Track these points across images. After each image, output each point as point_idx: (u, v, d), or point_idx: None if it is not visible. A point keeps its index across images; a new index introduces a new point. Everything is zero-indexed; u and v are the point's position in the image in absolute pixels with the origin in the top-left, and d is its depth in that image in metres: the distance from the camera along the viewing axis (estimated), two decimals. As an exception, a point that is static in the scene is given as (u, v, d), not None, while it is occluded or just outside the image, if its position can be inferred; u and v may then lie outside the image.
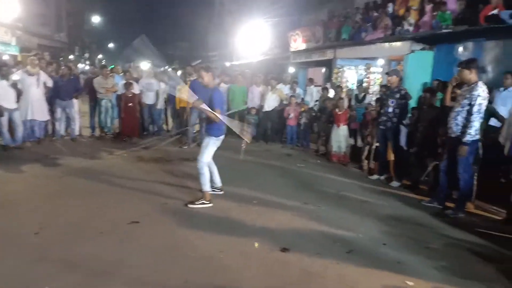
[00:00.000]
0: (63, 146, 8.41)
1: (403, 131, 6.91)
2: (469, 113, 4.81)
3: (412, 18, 10.25)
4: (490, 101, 6.30)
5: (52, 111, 8.84)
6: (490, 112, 5.52)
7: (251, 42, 20.10)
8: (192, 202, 5.02)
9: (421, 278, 3.42)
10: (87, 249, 3.67)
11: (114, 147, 8.48)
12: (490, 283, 3.41)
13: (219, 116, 4.92)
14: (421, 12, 10.27)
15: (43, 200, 4.97)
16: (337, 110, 8.23)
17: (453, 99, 5.33)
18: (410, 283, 3.31)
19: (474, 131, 4.81)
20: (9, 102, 7.46)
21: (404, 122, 6.77)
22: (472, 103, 4.78)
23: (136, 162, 7.32)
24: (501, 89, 6.57)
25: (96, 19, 35.95)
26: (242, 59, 21.85)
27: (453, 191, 5.47)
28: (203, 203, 5.01)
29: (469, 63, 4.93)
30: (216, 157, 5.32)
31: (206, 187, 5.08)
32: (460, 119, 4.94)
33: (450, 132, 5.10)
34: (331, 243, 4.08)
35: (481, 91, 4.77)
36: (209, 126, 5.17)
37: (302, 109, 9.71)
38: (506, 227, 4.70)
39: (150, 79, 10.06)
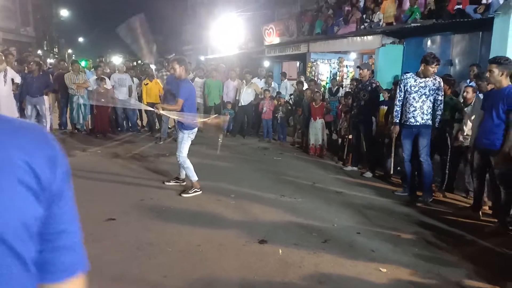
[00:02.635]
0: (34, 144, 8.18)
1: (375, 123, 7.09)
2: (436, 102, 5.27)
3: (382, 12, 10.47)
4: (458, 94, 6.58)
5: (22, 108, 8.60)
6: (454, 106, 5.80)
7: (226, 36, 20.01)
8: (185, 192, 5.24)
9: (394, 264, 3.55)
10: (63, 247, 3.61)
11: (88, 144, 8.33)
12: (456, 268, 3.58)
13: (180, 106, 5.06)
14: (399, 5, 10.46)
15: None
16: (313, 103, 8.34)
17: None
18: (384, 270, 3.44)
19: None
20: None
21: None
22: (440, 93, 5.26)
23: (111, 158, 7.22)
24: (468, 81, 6.82)
25: (64, 12, 34.86)
26: (217, 53, 21.72)
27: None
28: (196, 191, 5.24)
29: (438, 59, 5.27)
30: (193, 152, 5.35)
31: (194, 177, 5.30)
32: (426, 108, 5.27)
33: (415, 121, 5.32)
34: (307, 234, 4.17)
35: (442, 83, 5.35)
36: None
37: (278, 102, 9.78)
38: (473, 214, 4.92)
39: (122, 74, 9.91)
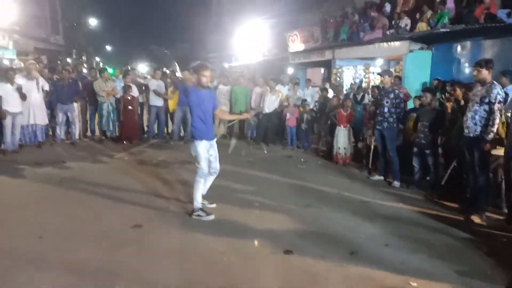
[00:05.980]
0: (64, 150, 8.41)
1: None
2: (490, 111, 4.85)
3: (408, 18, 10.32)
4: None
5: (52, 115, 8.86)
6: None
7: (250, 43, 20.11)
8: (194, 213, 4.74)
9: (424, 278, 3.43)
10: (91, 252, 3.67)
11: (115, 151, 8.48)
12: (491, 281, 3.43)
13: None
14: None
15: (45, 205, 4.98)
16: (342, 110, 8.15)
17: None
18: (414, 284, 3.33)
19: (495, 129, 4.86)
20: (13, 106, 7.56)
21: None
22: (492, 101, 4.82)
23: (137, 165, 7.32)
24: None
25: (93, 21, 35.81)
26: (241, 61, 21.84)
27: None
28: (199, 216, 4.67)
29: (488, 63, 4.99)
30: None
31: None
32: (478, 118, 4.97)
33: (468, 131, 5.09)
34: (333, 244, 4.09)
35: (499, 89, 4.87)
36: (192, 129, 4.70)
37: (302, 109, 9.65)
38: (508, 226, 4.72)
39: (158, 81, 10.01)
